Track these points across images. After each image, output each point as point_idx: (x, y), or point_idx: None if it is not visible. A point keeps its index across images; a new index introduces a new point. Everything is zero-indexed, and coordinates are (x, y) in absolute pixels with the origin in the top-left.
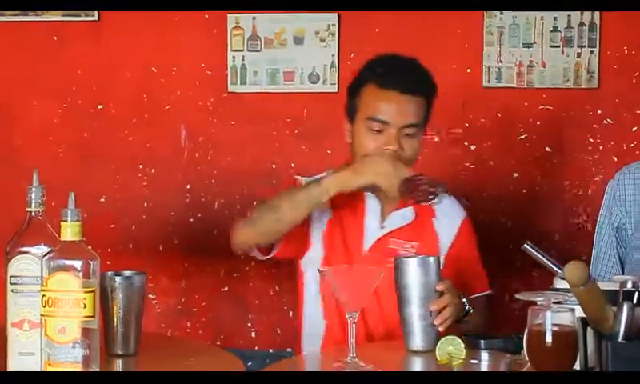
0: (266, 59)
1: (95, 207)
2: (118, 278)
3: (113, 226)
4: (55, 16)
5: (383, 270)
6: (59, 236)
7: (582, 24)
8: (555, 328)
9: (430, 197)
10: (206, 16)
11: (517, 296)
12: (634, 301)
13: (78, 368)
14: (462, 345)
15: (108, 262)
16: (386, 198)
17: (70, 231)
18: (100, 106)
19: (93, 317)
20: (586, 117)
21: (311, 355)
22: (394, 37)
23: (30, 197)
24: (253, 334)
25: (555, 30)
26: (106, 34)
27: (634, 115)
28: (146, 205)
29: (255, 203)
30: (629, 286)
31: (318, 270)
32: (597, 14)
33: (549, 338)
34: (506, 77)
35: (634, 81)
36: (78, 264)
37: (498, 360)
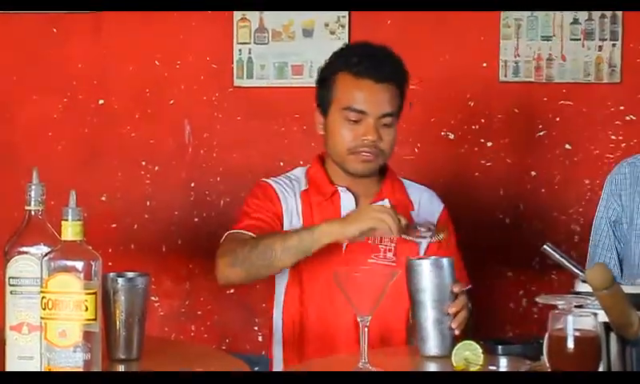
0: (273, 52)
1: (96, 206)
2: (120, 280)
3: (114, 225)
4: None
5: (397, 273)
6: (59, 236)
7: (603, 16)
8: (577, 333)
9: (426, 235)
10: None
11: (536, 299)
12: None
13: None
14: (480, 350)
15: (109, 263)
16: (360, 191)
17: (71, 231)
18: (101, 101)
19: (94, 320)
20: (608, 113)
21: (318, 364)
22: (407, 29)
23: (30, 195)
24: (260, 339)
25: (575, 22)
26: (108, 26)
27: None
28: (148, 203)
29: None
30: None
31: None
32: None
33: (570, 344)
34: (523, 71)
35: None
36: (79, 265)
37: (516, 366)
